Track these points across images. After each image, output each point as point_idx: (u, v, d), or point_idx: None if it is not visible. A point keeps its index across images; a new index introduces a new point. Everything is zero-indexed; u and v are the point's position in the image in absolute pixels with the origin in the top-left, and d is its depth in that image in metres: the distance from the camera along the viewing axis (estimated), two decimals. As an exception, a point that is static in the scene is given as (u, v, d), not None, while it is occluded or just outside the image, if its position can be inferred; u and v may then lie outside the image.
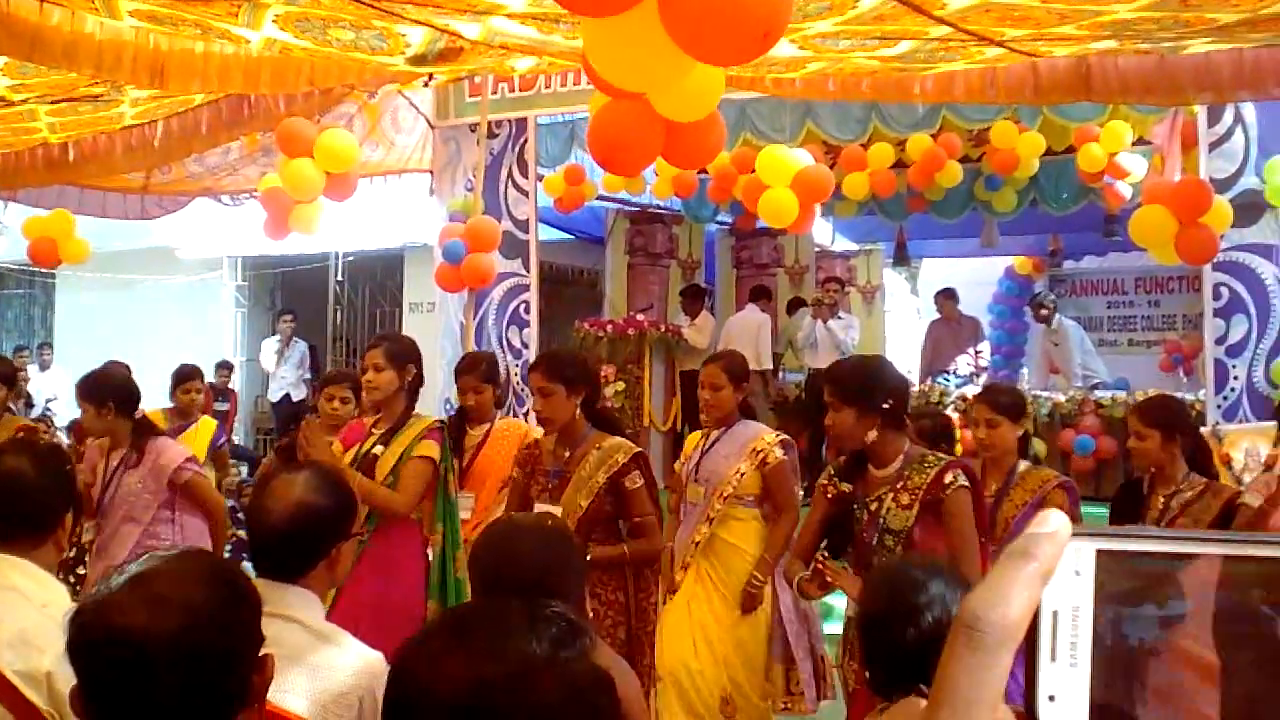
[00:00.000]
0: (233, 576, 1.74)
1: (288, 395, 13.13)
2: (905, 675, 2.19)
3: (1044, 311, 11.93)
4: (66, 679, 2.35)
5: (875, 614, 2.30)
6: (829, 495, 3.81)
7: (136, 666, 1.56)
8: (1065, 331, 11.79)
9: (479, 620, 1.24)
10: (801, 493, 5.98)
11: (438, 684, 1.15)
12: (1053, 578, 0.69)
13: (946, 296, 12.54)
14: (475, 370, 5.74)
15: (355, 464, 4.57)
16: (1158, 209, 6.68)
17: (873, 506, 3.70)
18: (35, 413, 11.81)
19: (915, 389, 10.40)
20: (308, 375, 13.12)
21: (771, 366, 11.17)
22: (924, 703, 0.74)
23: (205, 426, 6.95)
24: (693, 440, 5.27)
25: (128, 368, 6.77)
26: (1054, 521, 0.70)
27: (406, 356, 4.70)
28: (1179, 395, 10.09)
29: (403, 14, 5.02)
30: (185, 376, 6.99)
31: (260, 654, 1.71)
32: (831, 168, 9.19)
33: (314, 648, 2.37)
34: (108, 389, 5.48)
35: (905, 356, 14.32)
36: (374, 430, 4.71)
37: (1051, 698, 0.69)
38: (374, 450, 4.64)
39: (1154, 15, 4.80)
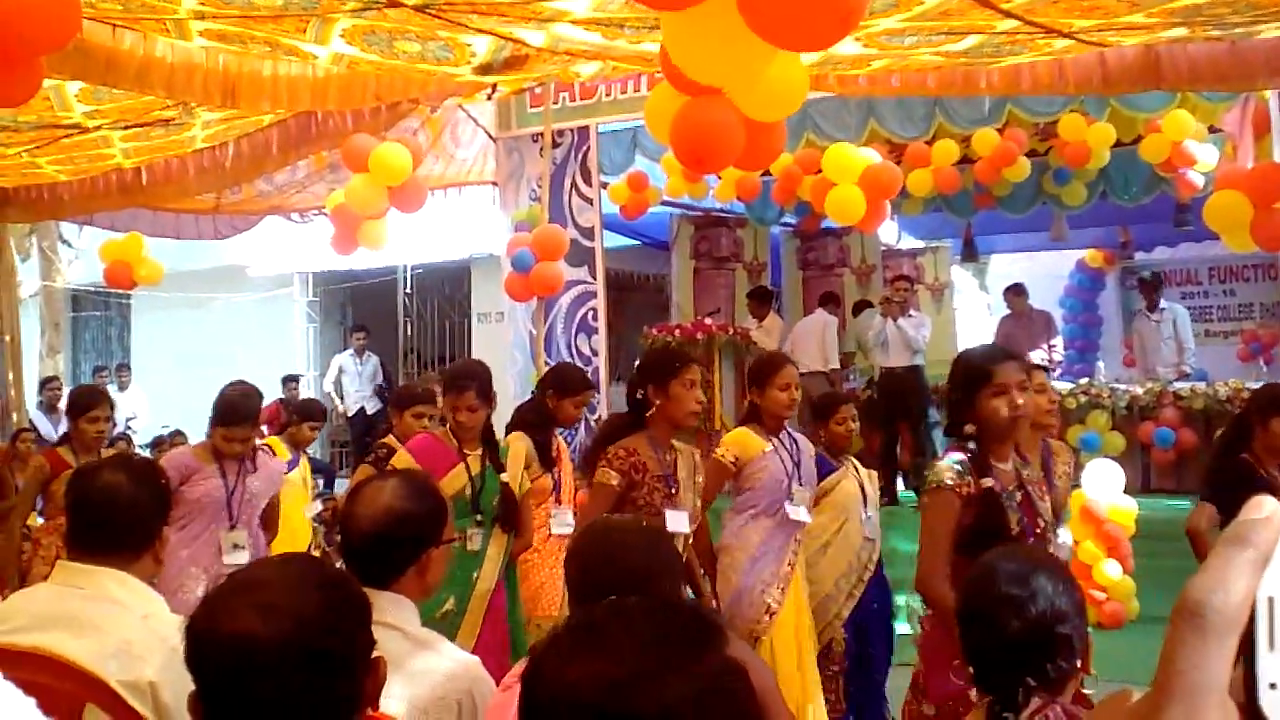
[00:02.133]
0: (342, 581, 1.77)
1: (363, 409, 13.25)
2: (1010, 668, 2.18)
3: (1150, 293, 11.74)
4: (170, 688, 2.41)
5: (977, 607, 2.28)
6: (962, 494, 3.51)
7: (252, 672, 1.59)
8: (1175, 315, 11.61)
9: (608, 620, 1.23)
10: (878, 493, 5.93)
11: (572, 687, 1.14)
12: (1269, 564, 0.68)
13: (1015, 292, 12.41)
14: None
15: (486, 491, 4.72)
16: (1233, 194, 6.56)
17: (1019, 497, 3.57)
18: (116, 431, 12.00)
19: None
20: (382, 385, 13.24)
21: (838, 366, 11.12)
22: (1136, 693, 0.73)
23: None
24: (755, 443, 4.97)
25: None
26: (1268, 506, 0.69)
27: (490, 387, 4.84)
28: (1259, 385, 10.00)
29: (467, 24, 5.05)
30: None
31: (372, 657, 1.74)
32: (896, 165, 9.13)
33: (412, 654, 2.39)
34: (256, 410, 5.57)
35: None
36: (467, 452, 4.75)
37: (1273, 685, 0.68)
38: (501, 479, 4.80)
39: (1228, -1, 4.74)
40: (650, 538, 2.49)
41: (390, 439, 6.12)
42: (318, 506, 7.72)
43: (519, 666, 2.31)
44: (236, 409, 5.40)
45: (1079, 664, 2.26)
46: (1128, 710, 0.72)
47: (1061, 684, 2.22)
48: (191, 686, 1.69)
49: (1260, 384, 10.07)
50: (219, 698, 1.62)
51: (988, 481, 3.48)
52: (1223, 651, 0.66)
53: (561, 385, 5.99)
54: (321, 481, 10.80)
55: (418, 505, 2.61)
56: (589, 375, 9.60)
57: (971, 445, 3.54)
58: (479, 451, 4.79)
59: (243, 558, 5.18)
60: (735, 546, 4.91)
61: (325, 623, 1.66)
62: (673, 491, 4.48)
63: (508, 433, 5.56)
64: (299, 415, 7.37)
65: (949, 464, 3.53)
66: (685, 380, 4.53)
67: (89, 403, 6.18)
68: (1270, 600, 0.68)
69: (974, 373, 3.59)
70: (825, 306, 11.49)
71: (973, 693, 2.69)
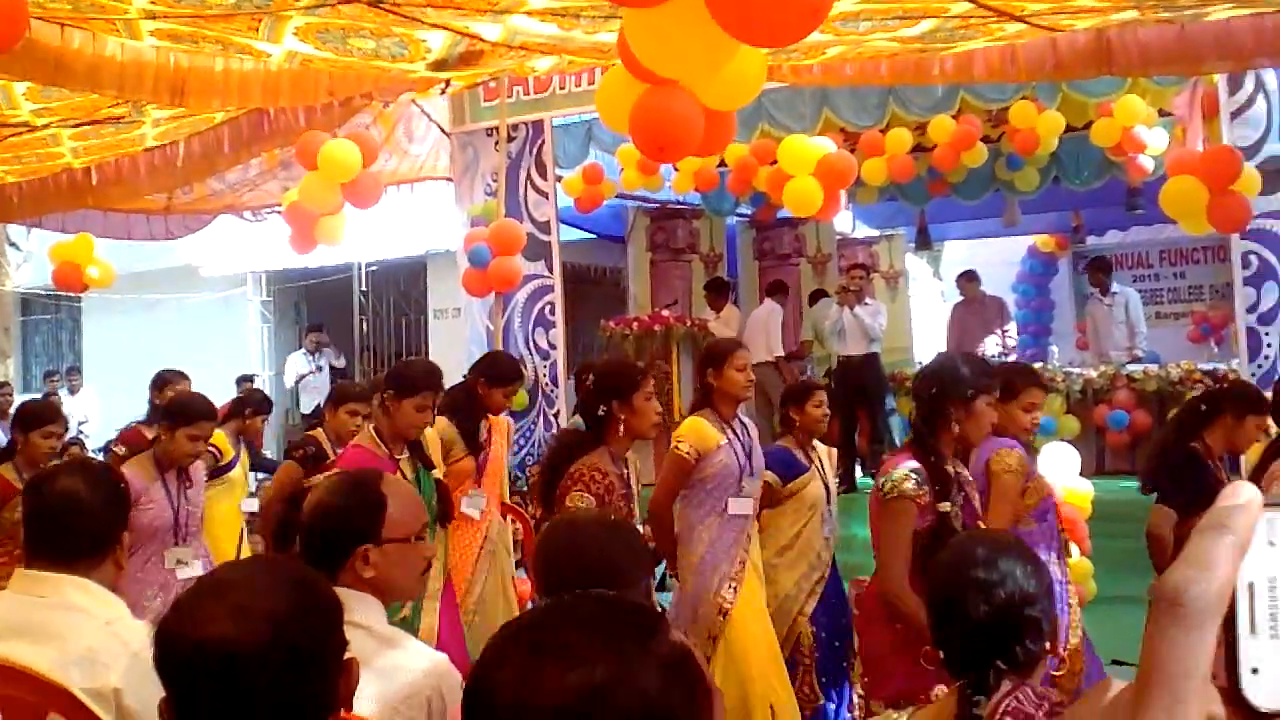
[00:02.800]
0: (314, 582, 1.75)
1: (318, 406, 13.16)
2: (980, 653, 2.19)
3: (1101, 277, 11.83)
4: (134, 694, 2.39)
5: (946, 592, 2.29)
6: (920, 503, 3.60)
7: (223, 676, 1.57)
8: (1127, 299, 11.71)
9: (559, 625, 1.20)
10: (837, 481, 5.95)
11: (537, 696, 1.10)
12: (1248, 550, 0.68)
13: (967, 279, 12.50)
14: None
15: (424, 492, 4.65)
16: (1187, 179, 6.64)
17: (960, 500, 3.66)
18: (68, 437, 11.85)
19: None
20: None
21: (782, 354, 11.15)
22: (1119, 683, 0.73)
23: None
24: (712, 435, 4.84)
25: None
26: (1245, 493, 0.69)
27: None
28: (1210, 366, 10.14)
29: (422, 18, 5.02)
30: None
31: (345, 658, 1.72)
32: (851, 154, 9.16)
33: (380, 652, 2.37)
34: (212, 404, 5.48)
35: (931, 341, 14.29)
36: (398, 457, 4.69)
37: (1255, 670, 0.68)
38: (433, 475, 4.84)
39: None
40: (616, 531, 2.48)
41: (319, 433, 6.10)
42: (254, 504, 7.65)
43: None
44: (197, 404, 5.30)
45: (1048, 646, 2.28)
46: (1110, 701, 0.72)
47: (1031, 666, 2.24)
48: (156, 692, 1.67)
49: (1211, 365, 10.24)
50: (190, 702, 1.60)
51: (945, 506, 3.61)
52: (1203, 639, 0.66)
53: (493, 374, 5.96)
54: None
55: (344, 499, 2.59)
56: (548, 369, 9.66)
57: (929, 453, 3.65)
58: (406, 454, 4.74)
59: (194, 571, 5.03)
60: (686, 549, 4.82)
61: (298, 624, 1.65)
62: (632, 506, 4.43)
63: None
64: (246, 407, 7.28)
65: (906, 472, 3.63)
66: (646, 392, 4.49)
67: (46, 416, 6.00)
68: (1250, 586, 0.69)
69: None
70: (773, 296, 11.55)
71: (937, 689, 2.74)
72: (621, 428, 4.43)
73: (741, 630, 4.74)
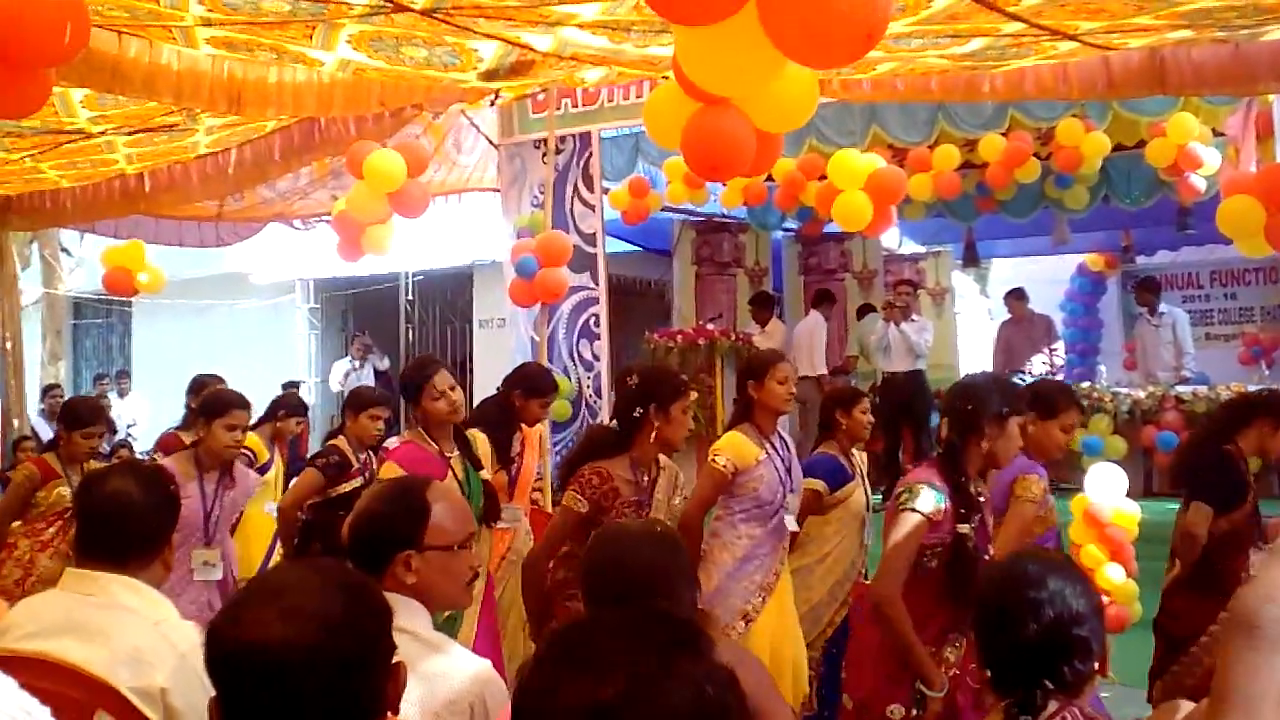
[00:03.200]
0: (364, 586, 1.76)
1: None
2: (1027, 672, 2.17)
3: (1150, 297, 11.71)
4: (181, 694, 2.41)
5: (994, 611, 2.27)
6: (935, 522, 3.61)
7: (274, 679, 1.58)
8: (1175, 319, 11.59)
9: (591, 638, 1.22)
10: (880, 497, 5.93)
11: (554, 703, 1.13)
12: None
13: (1016, 297, 12.39)
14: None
15: (473, 493, 4.72)
16: (1245, 198, 6.56)
17: (976, 520, 3.66)
18: (117, 439, 11.99)
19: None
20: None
21: (826, 371, 11.07)
22: (1186, 705, 0.73)
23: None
24: (750, 450, 4.74)
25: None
26: None
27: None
28: (1260, 389, 9.99)
29: (474, 28, 5.05)
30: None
31: (393, 662, 1.73)
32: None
33: (424, 657, 2.38)
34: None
35: (977, 358, 14.19)
36: (447, 454, 4.73)
37: None
38: (481, 476, 4.89)
39: (1235, 2, 4.73)
40: (662, 542, 2.47)
41: (340, 441, 6.12)
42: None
43: None
44: (229, 395, 5.34)
45: (1096, 666, 2.26)
46: (1183, 719, 0.71)
47: (1079, 686, 2.22)
48: (202, 693, 1.68)
49: (1261, 388, 10.10)
50: (240, 704, 1.61)
51: (964, 528, 3.61)
52: (1275, 661, 0.65)
53: (530, 386, 5.96)
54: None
55: (387, 506, 2.60)
56: (592, 381, 9.67)
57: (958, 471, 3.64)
58: (457, 453, 4.78)
59: (215, 575, 5.07)
60: (719, 546, 4.71)
61: (348, 627, 1.65)
62: (644, 514, 4.41)
63: (467, 428, 5.54)
64: (280, 409, 7.30)
65: (934, 497, 3.61)
66: (684, 404, 4.51)
67: (90, 419, 6.09)
68: None
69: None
70: (819, 307, 11.40)
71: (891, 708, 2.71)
72: (653, 435, 4.45)
73: (760, 638, 4.68)
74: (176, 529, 4.90)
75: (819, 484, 5.29)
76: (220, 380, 7.46)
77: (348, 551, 2.53)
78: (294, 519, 5.81)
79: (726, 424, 4.88)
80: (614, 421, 4.66)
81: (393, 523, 2.58)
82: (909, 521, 3.57)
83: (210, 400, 5.32)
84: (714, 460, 4.66)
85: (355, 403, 6.23)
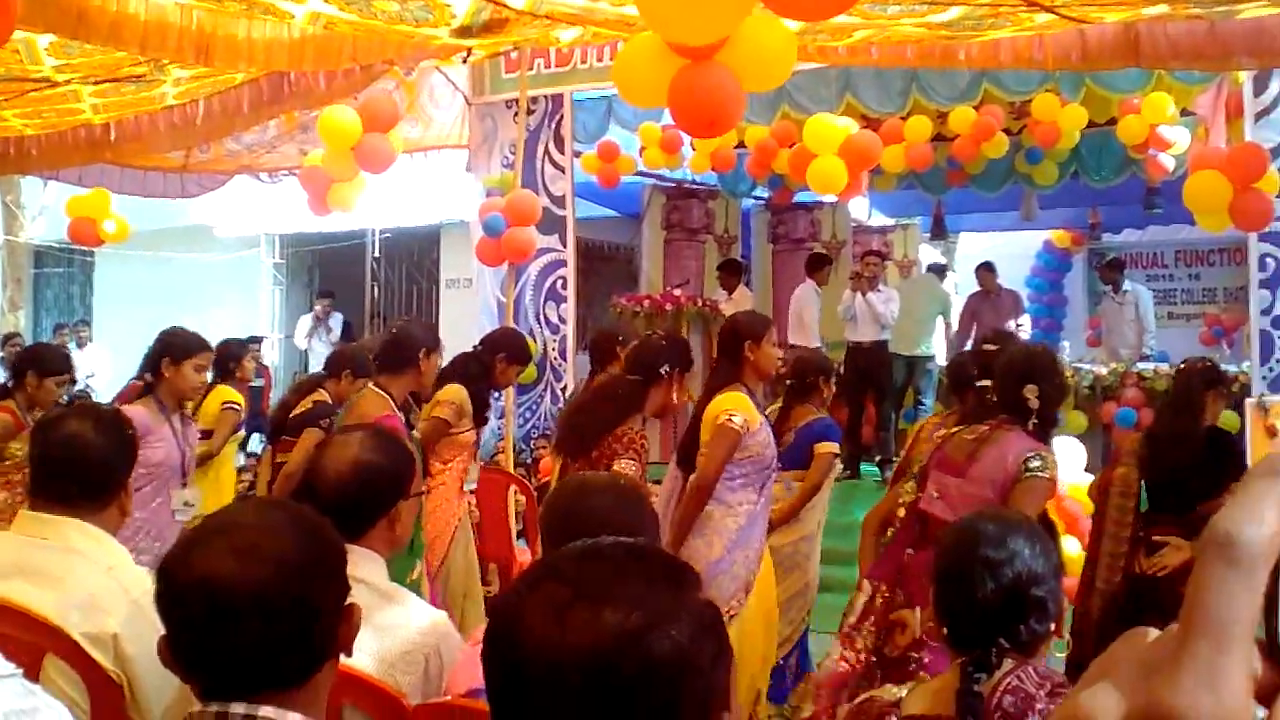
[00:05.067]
0: (318, 526, 1.74)
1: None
2: (983, 630, 2.18)
3: (1114, 275, 11.76)
4: (133, 640, 2.39)
5: (953, 569, 2.28)
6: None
7: (226, 616, 1.56)
8: (1138, 297, 11.66)
9: (591, 568, 1.18)
10: (841, 465, 5.96)
11: (578, 646, 1.07)
12: None
13: (986, 270, 12.40)
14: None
15: None
16: (1212, 174, 6.60)
17: None
18: (75, 389, 11.87)
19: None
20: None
21: (820, 342, 10.94)
22: (1153, 631, 0.72)
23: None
24: (755, 411, 4.65)
25: None
26: None
27: None
28: (1221, 368, 10.09)
29: (448, -17, 4.99)
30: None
31: (346, 604, 1.72)
32: (873, 137, 9.11)
33: (379, 607, 2.37)
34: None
35: (941, 330, 14.24)
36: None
37: None
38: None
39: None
40: (628, 496, 2.46)
41: (323, 395, 6.15)
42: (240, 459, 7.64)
43: None
44: (197, 339, 5.36)
45: (1052, 627, 2.28)
46: (1151, 644, 0.71)
47: (1035, 646, 2.23)
48: (155, 639, 1.66)
49: (1222, 367, 10.19)
50: (191, 642, 1.60)
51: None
52: (1252, 585, 0.64)
53: (514, 352, 6.03)
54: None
55: (387, 457, 2.60)
56: (558, 343, 9.66)
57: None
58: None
59: (191, 514, 5.10)
60: (724, 513, 4.53)
61: (303, 567, 1.64)
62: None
63: (440, 380, 5.51)
64: (231, 359, 7.21)
65: (1056, 460, 3.67)
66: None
67: (62, 365, 6.05)
68: None
69: None
70: (813, 274, 11.03)
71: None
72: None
73: (756, 610, 4.63)
74: (156, 474, 5.01)
75: (835, 446, 5.35)
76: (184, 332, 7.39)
77: (338, 505, 2.49)
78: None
79: (709, 384, 4.72)
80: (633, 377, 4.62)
81: (394, 474, 2.61)
82: (1044, 489, 3.62)
83: (179, 342, 5.27)
84: (730, 420, 4.48)
85: (336, 363, 6.22)
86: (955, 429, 3.95)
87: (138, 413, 4.97)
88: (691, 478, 4.55)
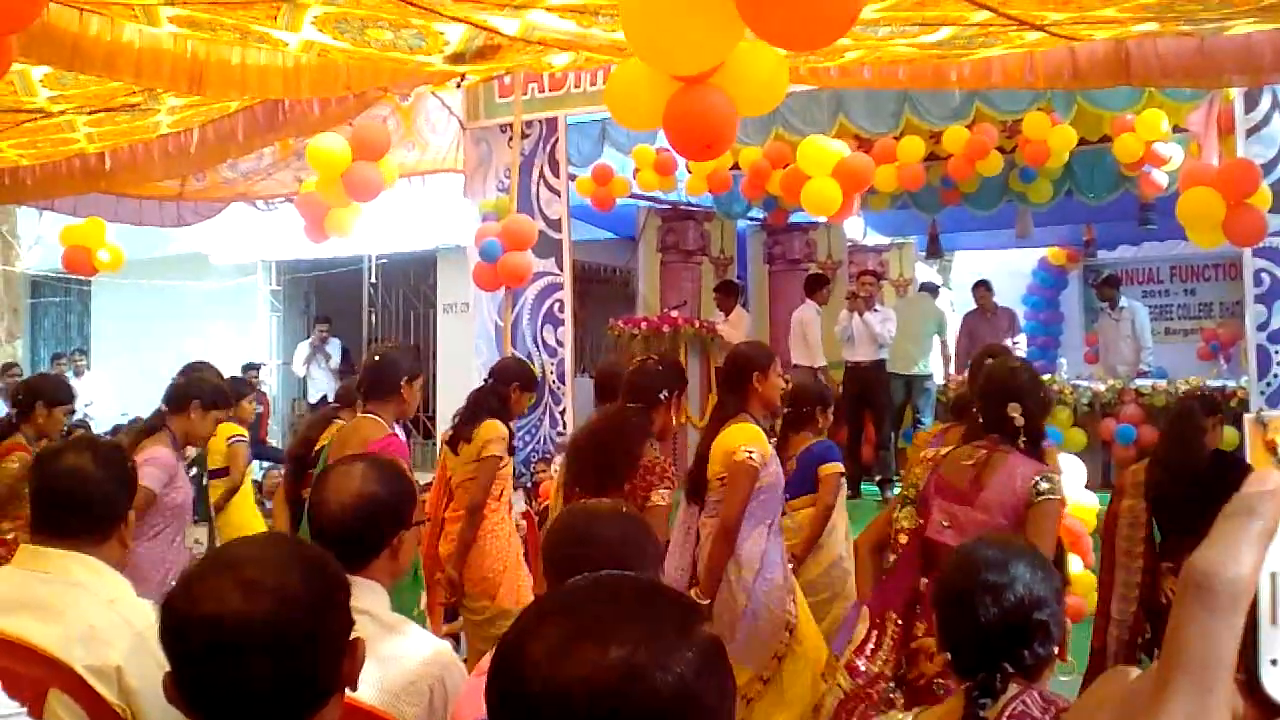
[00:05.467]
0: (323, 560, 1.74)
1: (325, 397, 13.18)
2: (987, 655, 2.18)
3: (1110, 291, 11.76)
4: (137, 673, 2.38)
5: (955, 594, 2.28)
6: None
7: (231, 652, 1.56)
8: (1135, 313, 11.66)
9: (596, 602, 1.18)
10: (845, 484, 5.95)
11: (580, 679, 1.07)
12: (1273, 538, 0.67)
13: (983, 288, 12.41)
14: None
15: None
16: (1205, 190, 6.63)
17: None
18: (74, 419, 11.86)
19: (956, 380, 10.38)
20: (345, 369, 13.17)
21: (824, 363, 10.89)
22: (1134, 671, 0.72)
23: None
24: (767, 442, 4.63)
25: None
26: (1273, 480, 0.68)
27: None
28: (1218, 383, 10.11)
29: (441, 10, 5.02)
30: None
31: (351, 638, 1.71)
32: (866, 158, 9.12)
33: (382, 638, 2.37)
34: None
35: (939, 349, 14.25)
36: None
37: (1274, 662, 0.67)
38: None
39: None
40: (634, 524, 2.45)
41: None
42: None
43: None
44: (222, 389, 5.52)
45: (1055, 651, 2.27)
46: (1130, 689, 0.71)
47: (1038, 670, 2.23)
48: (158, 671, 1.66)
49: (1220, 382, 10.21)
50: (196, 678, 1.59)
51: None
52: (1232, 624, 0.65)
53: (526, 380, 6.12)
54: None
55: (388, 488, 2.59)
56: (555, 367, 9.65)
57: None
58: None
59: (204, 550, 5.20)
60: (741, 562, 4.45)
61: (307, 602, 1.63)
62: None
63: (470, 418, 5.61)
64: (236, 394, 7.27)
65: (1062, 479, 3.70)
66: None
67: (69, 394, 6.15)
68: (1273, 576, 0.67)
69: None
70: (812, 295, 11.04)
71: None
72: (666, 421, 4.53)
73: (806, 640, 4.58)
74: (178, 515, 5.05)
75: (839, 465, 5.39)
76: (214, 370, 7.43)
77: (341, 536, 2.49)
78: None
79: (716, 416, 4.70)
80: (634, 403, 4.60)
81: (396, 505, 2.60)
82: (1059, 510, 3.65)
83: (210, 390, 5.41)
84: (748, 456, 4.43)
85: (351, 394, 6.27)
86: (946, 450, 3.91)
87: (164, 456, 5.05)
88: (711, 521, 4.53)
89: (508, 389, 5.95)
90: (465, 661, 3.64)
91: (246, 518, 6.82)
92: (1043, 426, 3.80)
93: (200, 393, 5.35)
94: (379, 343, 14.43)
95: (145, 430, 5.30)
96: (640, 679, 1.07)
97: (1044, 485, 3.56)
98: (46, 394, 5.93)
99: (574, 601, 1.19)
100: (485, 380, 6.20)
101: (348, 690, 1.74)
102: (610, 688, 1.06)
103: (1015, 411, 3.66)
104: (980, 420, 3.80)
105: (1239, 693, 0.67)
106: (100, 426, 11.77)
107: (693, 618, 1.16)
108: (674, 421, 4.68)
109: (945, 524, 3.53)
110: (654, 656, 1.08)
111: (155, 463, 4.97)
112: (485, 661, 2.24)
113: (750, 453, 4.43)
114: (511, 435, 5.81)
